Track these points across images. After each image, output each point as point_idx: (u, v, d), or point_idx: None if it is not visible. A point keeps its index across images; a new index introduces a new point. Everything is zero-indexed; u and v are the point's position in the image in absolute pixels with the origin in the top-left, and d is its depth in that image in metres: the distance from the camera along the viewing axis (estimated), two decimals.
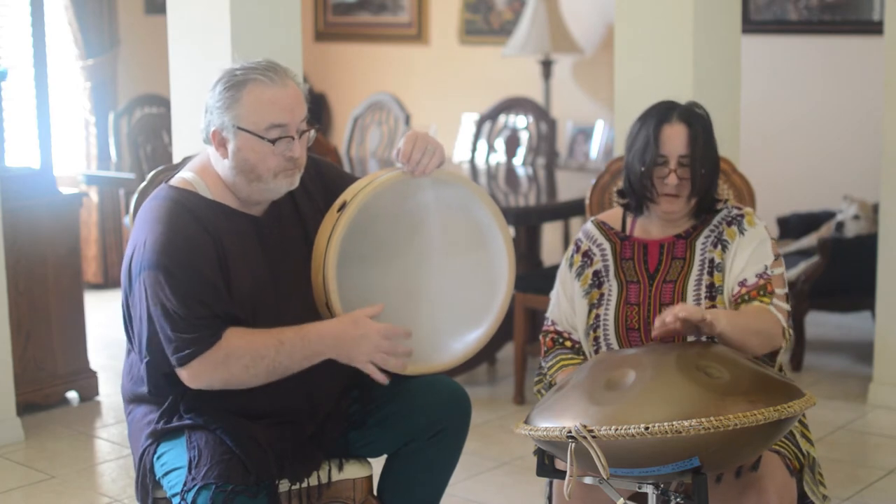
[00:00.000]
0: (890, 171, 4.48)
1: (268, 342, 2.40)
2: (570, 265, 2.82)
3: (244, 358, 2.39)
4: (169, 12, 3.87)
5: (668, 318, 2.45)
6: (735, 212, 2.74)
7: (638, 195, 2.71)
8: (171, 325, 2.38)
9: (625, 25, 4.02)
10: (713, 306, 2.64)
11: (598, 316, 2.73)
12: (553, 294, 2.86)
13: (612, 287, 2.74)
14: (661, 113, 2.68)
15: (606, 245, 2.79)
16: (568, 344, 2.80)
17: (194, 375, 2.40)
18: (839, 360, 5.29)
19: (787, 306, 2.66)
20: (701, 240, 2.72)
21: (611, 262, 2.76)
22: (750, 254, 2.67)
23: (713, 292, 2.67)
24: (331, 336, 2.44)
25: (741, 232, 2.70)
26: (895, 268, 4.52)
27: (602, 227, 2.83)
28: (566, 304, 2.81)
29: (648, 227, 2.78)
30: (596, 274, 2.77)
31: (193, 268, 2.39)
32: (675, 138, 2.65)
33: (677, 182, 2.65)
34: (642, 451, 2.16)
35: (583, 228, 2.87)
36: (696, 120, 2.68)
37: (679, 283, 2.68)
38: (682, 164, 2.65)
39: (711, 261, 2.69)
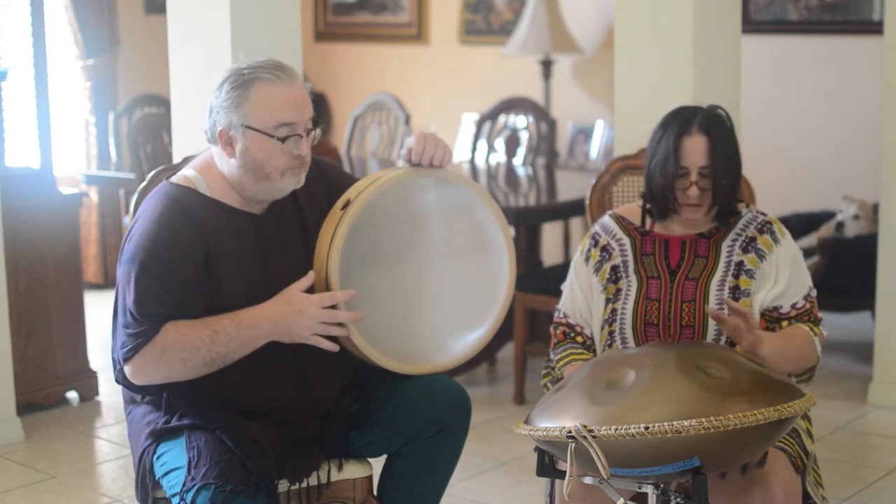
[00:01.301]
0: (890, 171, 4.48)
1: (202, 333, 2.40)
2: (587, 259, 2.82)
3: (181, 351, 2.39)
4: (169, 12, 3.87)
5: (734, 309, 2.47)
6: (761, 218, 2.75)
7: (660, 205, 2.72)
8: (124, 321, 2.43)
9: (625, 25, 4.02)
10: None
11: (614, 310, 2.73)
12: (566, 286, 2.86)
13: (631, 282, 2.74)
14: (682, 123, 2.67)
15: (626, 240, 2.79)
16: (579, 339, 2.80)
17: (135, 371, 2.43)
18: (839, 360, 5.29)
19: (825, 333, 2.73)
20: (727, 241, 2.73)
21: (630, 258, 2.77)
22: (790, 269, 2.70)
23: (737, 294, 2.68)
24: (266, 318, 2.42)
25: (775, 241, 2.72)
26: (895, 268, 4.52)
27: (621, 221, 2.83)
28: (581, 298, 2.80)
29: (669, 225, 2.78)
30: (614, 269, 2.77)
31: (169, 268, 2.40)
32: (695, 150, 2.65)
33: (699, 193, 2.65)
34: (642, 451, 2.16)
35: (600, 222, 2.86)
36: (716, 129, 2.67)
37: (702, 281, 2.69)
38: (702, 175, 2.65)
39: (740, 264, 2.70)
